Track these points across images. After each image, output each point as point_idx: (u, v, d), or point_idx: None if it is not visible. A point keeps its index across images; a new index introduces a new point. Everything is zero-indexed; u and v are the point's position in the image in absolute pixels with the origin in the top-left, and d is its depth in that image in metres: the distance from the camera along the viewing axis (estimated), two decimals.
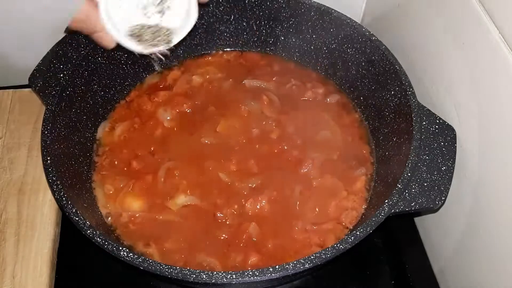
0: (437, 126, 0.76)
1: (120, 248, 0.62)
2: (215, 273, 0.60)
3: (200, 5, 0.73)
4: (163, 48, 0.71)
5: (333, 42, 0.93)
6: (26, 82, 0.83)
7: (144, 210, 0.80)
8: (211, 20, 0.97)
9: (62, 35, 0.88)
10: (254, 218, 0.78)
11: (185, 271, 0.60)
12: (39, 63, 0.84)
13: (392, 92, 0.82)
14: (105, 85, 0.90)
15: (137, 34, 0.70)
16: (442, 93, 0.79)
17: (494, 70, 0.63)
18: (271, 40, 1.00)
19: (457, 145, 0.74)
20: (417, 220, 0.93)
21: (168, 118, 0.91)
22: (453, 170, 0.72)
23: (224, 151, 0.86)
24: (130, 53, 0.91)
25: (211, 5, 0.95)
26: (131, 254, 0.62)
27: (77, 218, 0.65)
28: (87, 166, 0.85)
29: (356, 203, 0.80)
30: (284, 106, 0.93)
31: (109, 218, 0.79)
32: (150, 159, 0.85)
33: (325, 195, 0.81)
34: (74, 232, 0.66)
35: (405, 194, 0.69)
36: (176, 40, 0.72)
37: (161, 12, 0.70)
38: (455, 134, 0.75)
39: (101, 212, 0.80)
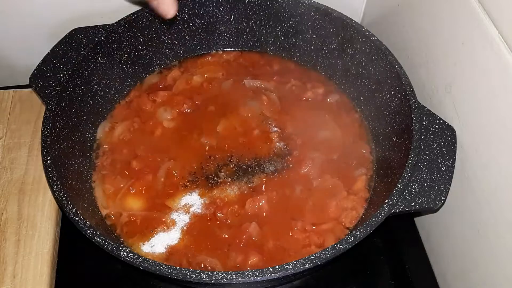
0: (437, 126, 0.76)
1: (120, 248, 0.62)
2: (215, 273, 0.60)
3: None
4: None
5: (333, 42, 0.93)
6: (27, 82, 0.83)
7: (144, 210, 0.80)
8: (211, 20, 0.97)
9: (62, 35, 0.88)
10: (254, 218, 0.78)
11: (185, 271, 0.60)
12: (39, 63, 0.84)
13: (392, 92, 0.82)
14: (105, 85, 0.90)
15: None
16: (442, 93, 0.79)
17: (494, 70, 0.63)
18: (271, 40, 1.00)
19: (457, 145, 0.74)
20: (417, 220, 0.93)
21: (168, 118, 0.91)
22: (453, 170, 0.72)
23: (224, 151, 0.87)
24: (130, 53, 0.93)
25: (211, 5, 0.95)
26: (131, 254, 0.62)
27: (77, 218, 0.65)
28: (87, 166, 0.85)
29: (356, 203, 0.80)
30: (284, 106, 0.93)
31: (109, 218, 0.79)
32: (150, 159, 0.86)
33: (325, 195, 0.81)
34: (74, 232, 0.66)
35: (405, 194, 0.69)
36: None
37: None
38: (455, 134, 0.75)
39: (101, 212, 0.80)
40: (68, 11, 0.97)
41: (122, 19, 0.88)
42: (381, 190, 0.78)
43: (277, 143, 0.88)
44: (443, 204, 0.72)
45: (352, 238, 0.63)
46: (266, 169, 0.84)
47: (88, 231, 0.64)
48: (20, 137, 0.90)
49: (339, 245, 0.63)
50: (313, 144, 0.88)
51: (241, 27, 0.99)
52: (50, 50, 0.86)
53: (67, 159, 0.78)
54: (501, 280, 0.69)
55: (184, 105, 0.93)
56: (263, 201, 0.79)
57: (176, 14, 0.69)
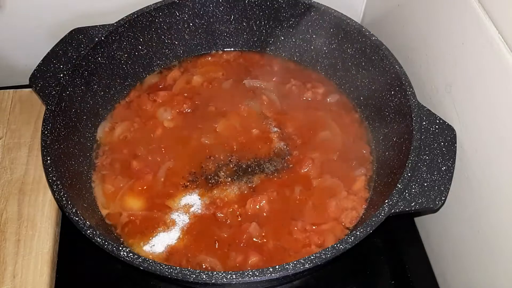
0: (437, 126, 0.76)
1: (120, 248, 0.62)
2: (215, 273, 0.60)
3: None
4: None
5: (333, 42, 0.93)
6: (27, 82, 0.83)
7: (144, 210, 0.80)
8: (211, 20, 0.97)
9: (62, 35, 0.88)
10: (254, 218, 0.78)
11: (185, 271, 0.60)
12: (39, 63, 0.84)
13: (392, 92, 0.82)
14: (105, 85, 0.90)
15: None
16: (442, 93, 0.79)
17: (494, 70, 0.63)
18: (271, 40, 1.00)
19: (457, 145, 0.74)
20: (417, 220, 0.93)
21: (168, 118, 0.91)
22: (453, 170, 0.72)
23: (224, 151, 0.87)
24: (130, 53, 0.93)
25: (211, 5, 0.95)
26: (131, 254, 0.62)
27: (77, 218, 0.65)
28: (87, 166, 0.85)
29: (356, 203, 0.80)
30: (284, 106, 0.93)
31: (109, 218, 0.79)
32: (150, 159, 0.86)
33: (325, 195, 0.81)
34: (74, 232, 0.66)
35: (405, 194, 0.69)
36: None
37: None
38: (455, 134, 0.75)
39: (101, 212, 0.80)
40: (68, 11, 0.97)
41: (122, 19, 0.88)
42: (381, 190, 0.78)
43: (277, 143, 0.88)
44: (443, 204, 0.72)
45: (352, 238, 0.63)
46: (266, 169, 0.84)
47: (88, 231, 0.64)
48: (20, 137, 0.90)
49: (339, 245, 0.63)
50: (313, 144, 0.88)
51: (241, 27, 0.99)
52: (50, 50, 0.86)
53: (67, 159, 0.78)
54: (501, 280, 0.69)
55: (184, 105, 0.93)
56: (264, 201, 0.79)
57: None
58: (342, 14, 0.89)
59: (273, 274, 0.60)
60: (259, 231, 0.77)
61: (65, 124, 0.79)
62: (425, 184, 0.71)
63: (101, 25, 0.89)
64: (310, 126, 0.90)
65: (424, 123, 0.76)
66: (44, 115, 0.75)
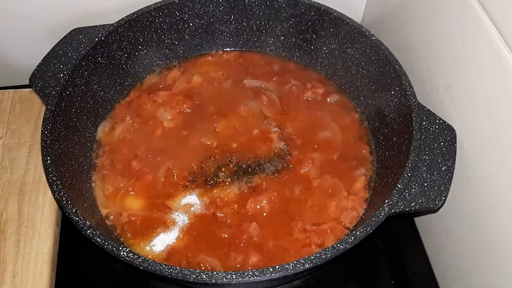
0: (437, 126, 0.76)
1: (120, 248, 0.62)
2: (215, 273, 0.60)
3: None
4: None
5: (333, 42, 0.93)
6: (27, 82, 0.83)
7: (144, 210, 0.80)
8: (211, 20, 0.97)
9: (62, 35, 0.88)
10: (254, 218, 0.78)
11: (185, 271, 0.60)
12: (39, 63, 0.84)
13: (392, 92, 0.82)
14: (105, 85, 0.90)
15: None
16: (442, 93, 0.79)
17: (494, 70, 0.63)
18: (271, 40, 1.00)
19: (457, 145, 0.74)
20: (417, 220, 0.93)
21: (168, 118, 0.91)
22: (453, 170, 0.72)
23: (224, 151, 0.87)
24: (130, 53, 0.93)
25: (211, 5, 0.95)
26: (131, 254, 0.62)
27: (77, 218, 0.65)
28: (87, 166, 0.85)
29: (356, 203, 0.80)
30: (284, 106, 0.93)
31: (109, 218, 0.79)
32: (150, 159, 0.86)
33: (325, 195, 0.81)
34: (74, 232, 0.66)
35: (405, 194, 0.69)
36: None
37: None
38: (455, 134, 0.75)
39: (101, 212, 0.80)
40: (68, 11, 0.97)
41: (122, 19, 0.88)
42: (381, 190, 0.78)
43: (277, 143, 0.88)
44: (443, 204, 0.72)
45: (352, 238, 0.63)
46: (266, 169, 0.84)
47: (88, 231, 0.64)
48: (20, 137, 0.90)
49: (339, 245, 0.63)
50: (313, 144, 0.88)
51: (241, 27, 0.99)
52: (50, 50, 0.86)
53: (67, 159, 0.78)
54: (501, 280, 0.69)
55: (184, 105, 0.93)
56: (264, 201, 0.79)
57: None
58: (342, 14, 0.89)
59: (273, 274, 0.60)
60: (259, 231, 0.77)
61: (65, 124, 0.79)
62: (425, 184, 0.71)
63: (101, 25, 0.89)
64: (310, 126, 0.90)
65: (424, 123, 0.76)
66: (44, 115, 0.75)
